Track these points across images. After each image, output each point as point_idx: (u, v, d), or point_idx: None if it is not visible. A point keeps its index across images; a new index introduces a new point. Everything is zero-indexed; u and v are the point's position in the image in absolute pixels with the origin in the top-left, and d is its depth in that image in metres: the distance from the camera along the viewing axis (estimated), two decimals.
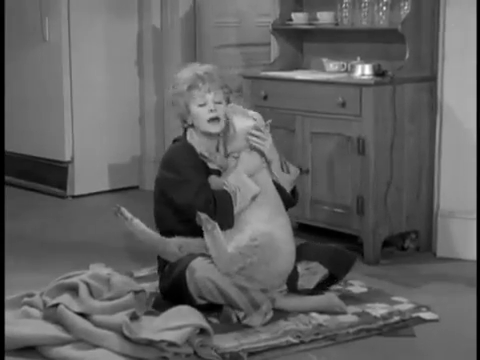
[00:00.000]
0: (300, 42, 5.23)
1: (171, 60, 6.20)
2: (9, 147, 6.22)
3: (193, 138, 3.78)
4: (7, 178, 6.25)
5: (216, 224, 3.53)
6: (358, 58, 4.68)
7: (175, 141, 3.89)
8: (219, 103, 3.74)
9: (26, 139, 6.37)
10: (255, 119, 3.79)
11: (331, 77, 4.64)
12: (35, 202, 5.99)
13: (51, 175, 6.18)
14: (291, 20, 5.06)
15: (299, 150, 4.70)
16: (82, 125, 6.09)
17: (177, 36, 6.17)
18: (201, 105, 3.72)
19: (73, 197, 6.08)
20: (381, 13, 4.64)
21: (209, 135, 3.76)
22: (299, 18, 5.02)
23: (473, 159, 4.42)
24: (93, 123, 6.13)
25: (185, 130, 3.84)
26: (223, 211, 3.60)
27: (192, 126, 3.78)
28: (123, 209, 3.71)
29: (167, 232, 3.74)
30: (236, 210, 3.61)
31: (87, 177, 6.13)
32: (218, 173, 3.76)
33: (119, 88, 6.23)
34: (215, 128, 3.73)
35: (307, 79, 4.69)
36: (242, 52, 6.35)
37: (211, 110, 3.71)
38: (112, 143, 6.23)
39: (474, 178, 4.39)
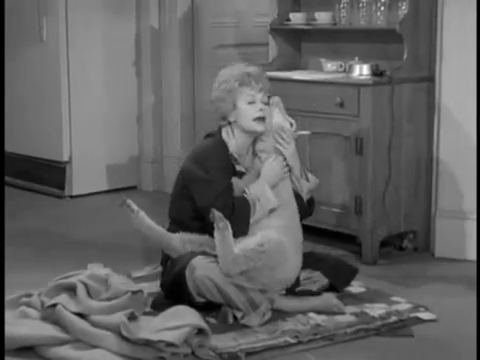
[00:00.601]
0: (298, 42, 5.23)
1: (169, 60, 6.20)
2: (7, 147, 6.21)
3: (229, 136, 3.77)
4: (5, 178, 6.25)
5: (228, 223, 3.52)
6: (356, 58, 4.68)
7: (208, 136, 3.88)
8: (266, 104, 3.76)
9: (24, 139, 6.37)
10: (292, 123, 3.81)
11: (329, 77, 4.64)
12: (33, 202, 5.98)
13: (49, 175, 6.18)
14: (289, 20, 5.06)
15: (297, 150, 4.68)
16: (80, 125, 6.09)
17: (175, 36, 6.17)
18: (250, 103, 3.73)
19: (71, 197, 6.08)
20: (379, 13, 4.64)
21: (250, 133, 3.76)
22: (297, 18, 5.03)
23: (471, 159, 4.42)
24: (91, 123, 6.13)
25: (219, 127, 3.82)
26: (240, 219, 3.60)
27: (230, 124, 3.77)
28: (129, 201, 3.70)
29: (178, 223, 3.74)
30: (252, 220, 3.63)
31: (85, 177, 6.12)
32: (243, 175, 3.76)
33: (117, 88, 6.23)
34: (260, 127, 3.73)
35: (305, 79, 4.69)
36: (240, 52, 6.34)
37: (260, 109, 3.73)
38: (110, 143, 6.23)
39: (472, 178, 4.39)
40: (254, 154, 3.79)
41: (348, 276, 3.94)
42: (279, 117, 3.79)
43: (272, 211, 3.65)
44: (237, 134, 3.77)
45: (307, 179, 3.88)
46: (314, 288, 3.84)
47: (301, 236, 3.76)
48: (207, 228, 3.61)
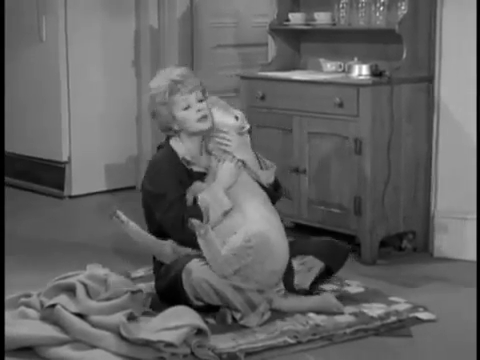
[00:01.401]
0: (297, 42, 5.23)
1: (168, 60, 6.20)
2: (6, 147, 6.21)
3: (178, 143, 3.80)
4: (5, 179, 6.25)
5: (209, 227, 3.54)
6: (355, 58, 4.67)
7: (159, 147, 3.92)
8: (201, 101, 3.76)
9: (23, 139, 6.37)
10: (237, 117, 3.81)
11: (328, 77, 4.64)
12: (32, 202, 5.98)
13: (48, 175, 6.18)
14: (288, 20, 5.06)
15: (296, 150, 4.70)
16: (79, 125, 6.08)
17: (174, 36, 6.17)
18: (186, 108, 3.74)
19: (70, 197, 6.08)
20: (378, 13, 4.64)
21: (198, 134, 3.78)
22: (296, 18, 5.02)
23: (470, 159, 4.42)
24: (90, 123, 6.13)
25: (167, 137, 3.85)
26: (193, 231, 3.59)
27: (176, 132, 3.79)
28: (119, 212, 3.73)
29: (157, 233, 3.76)
30: (208, 225, 3.63)
31: (84, 177, 6.12)
32: (203, 175, 3.78)
33: (116, 88, 6.23)
34: (205, 125, 3.75)
35: (304, 79, 4.69)
36: (239, 52, 6.35)
37: (198, 110, 3.74)
38: (109, 143, 6.23)
39: (471, 178, 4.39)
40: (208, 152, 3.80)
41: (342, 255, 3.93)
42: (218, 115, 3.79)
43: (226, 214, 3.65)
44: (186, 139, 3.79)
45: (266, 167, 3.86)
46: (312, 274, 3.82)
47: (280, 221, 3.75)
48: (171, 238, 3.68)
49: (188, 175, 3.76)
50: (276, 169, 3.91)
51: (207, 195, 3.67)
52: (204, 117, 3.74)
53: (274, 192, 3.88)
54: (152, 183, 3.74)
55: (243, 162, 3.78)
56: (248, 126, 3.85)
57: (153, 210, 3.74)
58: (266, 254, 3.56)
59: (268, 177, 3.85)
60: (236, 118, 3.81)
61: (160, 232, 3.75)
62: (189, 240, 3.61)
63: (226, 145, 3.77)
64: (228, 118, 3.81)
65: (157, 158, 3.84)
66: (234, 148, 3.77)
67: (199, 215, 3.63)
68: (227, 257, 3.51)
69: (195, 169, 3.78)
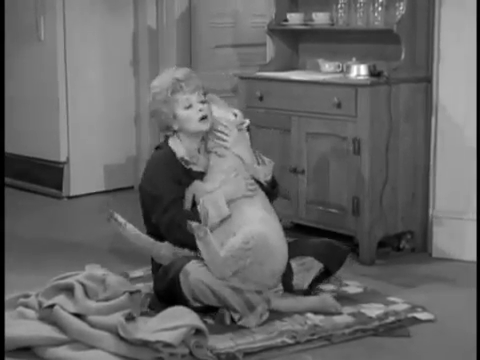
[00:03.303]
0: (296, 43, 5.24)
1: (167, 60, 6.20)
2: (5, 148, 6.21)
3: (176, 143, 3.80)
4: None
5: (207, 230, 3.54)
6: (353, 58, 4.68)
7: (157, 148, 3.93)
8: (203, 102, 3.78)
9: (21, 140, 6.36)
10: (236, 114, 3.83)
11: (327, 77, 4.64)
12: (31, 203, 5.98)
13: (47, 176, 6.18)
14: (287, 21, 5.06)
15: (294, 150, 4.70)
16: (77, 125, 6.08)
17: (172, 36, 6.17)
18: (187, 107, 3.75)
19: (69, 198, 6.08)
20: (376, 14, 4.64)
21: (198, 134, 3.79)
22: (294, 19, 5.03)
23: (468, 159, 4.43)
24: (89, 123, 6.13)
25: (166, 137, 3.86)
26: (188, 234, 3.58)
27: (175, 132, 3.80)
28: (116, 214, 3.74)
29: (155, 234, 3.77)
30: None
31: (83, 177, 6.12)
32: (203, 175, 3.78)
33: (115, 88, 6.23)
34: (205, 125, 3.76)
35: (303, 80, 4.69)
36: (238, 53, 6.35)
37: (200, 110, 3.75)
38: (108, 143, 6.23)
39: (469, 179, 4.40)
40: (208, 152, 3.81)
41: (341, 257, 3.92)
42: (217, 111, 3.81)
43: (222, 221, 3.64)
44: (184, 139, 3.80)
45: (263, 163, 3.87)
46: (311, 275, 3.83)
47: (278, 222, 3.76)
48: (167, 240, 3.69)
49: (187, 175, 3.76)
50: (274, 166, 3.90)
51: (207, 201, 3.66)
52: (205, 117, 3.75)
53: (271, 190, 3.88)
54: (149, 184, 3.75)
55: (241, 158, 3.79)
56: (248, 121, 3.86)
57: (149, 211, 3.75)
58: (265, 255, 3.56)
59: (265, 174, 3.84)
60: (235, 115, 3.83)
61: (158, 233, 3.76)
62: (184, 243, 3.62)
63: (224, 140, 3.78)
64: (227, 114, 3.82)
65: (155, 158, 3.84)
66: (232, 143, 3.78)
67: (195, 218, 3.62)
68: (226, 259, 3.51)
69: (195, 169, 3.79)
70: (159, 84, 3.82)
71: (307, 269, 3.84)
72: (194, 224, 3.53)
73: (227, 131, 3.79)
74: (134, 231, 3.74)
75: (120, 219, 3.73)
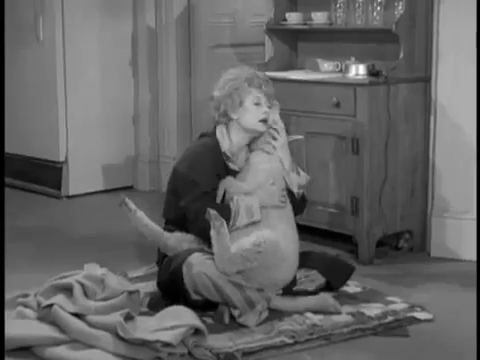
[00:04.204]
0: (294, 42, 5.24)
1: (165, 60, 6.20)
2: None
3: (223, 135, 3.80)
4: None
5: (224, 222, 3.54)
6: (352, 58, 4.68)
7: (202, 136, 3.92)
8: (268, 108, 3.83)
9: (20, 139, 6.36)
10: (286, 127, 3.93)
11: (325, 77, 4.64)
12: (29, 202, 5.98)
13: (45, 175, 6.18)
14: (285, 20, 5.06)
15: (294, 150, 4.68)
16: (76, 125, 6.08)
17: (171, 36, 6.17)
18: (256, 104, 3.80)
19: (67, 197, 6.07)
20: (375, 13, 4.65)
21: (251, 133, 3.81)
22: (293, 18, 5.03)
23: (467, 159, 4.43)
24: (87, 123, 6.13)
25: (214, 127, 3.86)
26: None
27: (226, 124, 3.81)
28: (128, 200, 3.75)
29: (172, 222, 3.77)
30: (231, 227, 3.63)
31: (81, 177, 6.12)
32: (237, 174, 3.79)
33: (113, 88, 6.23)
34: (263, 128, 3.80)
35: (301, 79, 4.70)
36: (236, 52, 6.34)
37: (265, 112, 3.80)
38: (106, 143, 6.23)
39: (468, 178, 4.40)
40: (252, 150, 3.83)
41: (345, 274, 3.95)
42: (275, 115, 3.86)
43: (250, 224, 3.65)
44: (235, 132, 3.81)
45: (298, 174, 3.88)
46: (312, 287, 3.84)
47: (296, 236, 3.77)
48: (190, 228, 3.68)
49: (226, 169, 3.77)
50: (309, 181, 3.92)
51: (242, 201, 3.67)
52: (265, 121, 3.80)
53: (300, 203, 3.89)
54: (190, 168, 3.72)
55: (282, 162, 3.81)
56: (301, 137, 4.03)
57: (181, 195, 3.72)
58: (273, 262, 3.56)
59: (299, 185, 3.85)
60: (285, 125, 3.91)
61: (175, 221, 3.75)
62: (206, 234, 3.59)
63: (275, 139, 3.80)
64: (281, 121, 3.88)
65: (199, 145, 3.84)
66: (280, 145, 3.80)
67: (225, 214, 3.61)
68: (235, 256, 3.50)
69: (231, 166, 3.79)
70: (237, 72, 3.85)
71: (311, 280, 3.87)
72: (213, 212, 3.52)
73: (280, 131, 3.82)
74: (144, 219, 3.75)
75: (131, 205, 3.74)
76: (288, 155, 3.84)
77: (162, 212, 3.87)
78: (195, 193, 3.66)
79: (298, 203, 3.87)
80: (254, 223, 3.66)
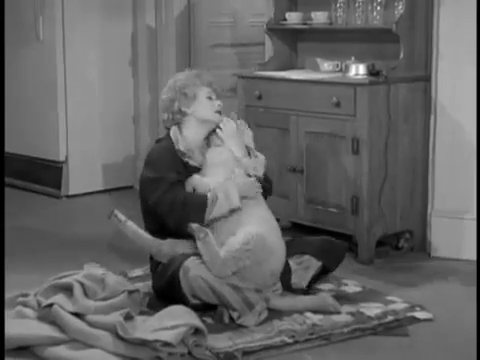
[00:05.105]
0: (294, 42, 5.24)
1: (165, 60, 6.20)
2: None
3: (177, 135, 3.84)
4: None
5: (208, 231, 3.55)
6: (352, 58, 4.68)
7: (157, 141, 3.98)
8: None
9: (20, 139, 6.36)
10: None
11: (325, 77, 4.64)
12: (29, 202, 5.98)
13: (45, 175, 6.18)
14: (285, 20, 5.06)
15: (293, 150, 4.70)
16: (76, 125, 6.08)
17: (171, 36, 6.17)
18: (209, 98, 3.89)
19: (67, 197, 6.07)
20: (375, 13, 4.64)
21: (207, 124, 3.86)
22: (293, 18, 5.03)
23: (467, 158, 4.43)
24: (87, 123, 6.13)
25: (167, 131, 3.90)
26: (193, 212, 3.62)
27: (183, 119, 3.85)
28: (117, 211, 3.75)
29: (156, 230, 3.77)
30: (209, 216, 3.64)
31: (81, 177, 6.12)
32: (197, 170, 3.80)
33: (113, 88, 6.23)
34: (218, 118, 3.88)
35: (301, 79, 4.69)
36: (236, 52, 6.35)
37: (218, 104, 3.89)
38: (106, 143, 6.23)
39: (468, 178, 4.40)
40: (207, 146, 3.89)
41: (339, 254, 3.94)
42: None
43: (233, 211, 3.66)
44: (191, 127, 3.87)
45: (256, 157, 3.90)
46: (309, 274, 3.83)
47: (275, 221, 3.77)
48: (167, 221, 3.68)
49: (185, 167, 3.79)
50: (265, 161, 3.92)
51: (220, 188, 3.68)
52: (220, 112, 3.89)
53: (265, 184, 3.88)
54: (151, 169, 3.76)
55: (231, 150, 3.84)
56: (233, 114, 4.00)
57: (150, 195, 3.74)
58: (264, 256, 3.56)
59: (254, 168, 3.86)
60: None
61: (158, 230, 3.76)
62: (185, 223, 3.59)
63: (220, 128, 3.87)
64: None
65: (155, 148, 3.91)
66: (226, 135, 3.85)
67: (200, 201, 3.63)
68: (226, 259, 3.51)
69: (190, 163, 3.81)
70: (184, 74, 3.97)
71: (305, 267, 3.84)
72: (195, 225, 3.55)
73: (225, 122, 3.89)
74: (134, 228, 3.76)
75: (120, 216, 3.75)
76: (238, 142, 3.87)
77: (144, 227, 3.87)
78: (163, 187, 3.69)
79: (264, 186, 3.86)
80: (234, 211, 3.65)
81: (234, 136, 3.87)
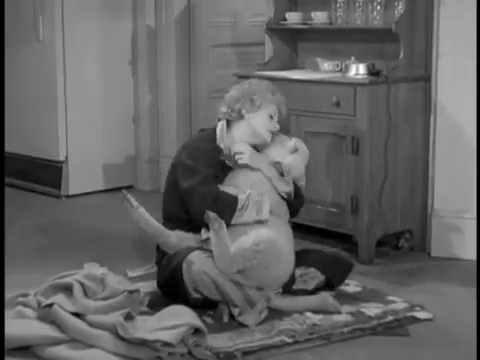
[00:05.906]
0: (294, 42, 5.24)
1: (165, 60, 6.20)
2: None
3: (223, 131, 3.83)
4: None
5: (223, 223, 3.54)
6: (352, 58, 4.68)
7: (201, 131, 3.98)
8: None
9: (20, 139, 6.36)
10: None
11: (325, 77, 4.64)
12: (29, 202, 5.98)
13: (45, 175, 6.18)
14: (285, 20, 5.07)
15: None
16: (76, 125, 6.08)
17: (171, 36, 6.17)
18: (271, 116, 3.87)
19: (67, 197, 6.07)
20: (375, 13, 4.65)
21: (256, 138, 3.84)
22: (293, 18, 5.03)
23: (467, 158, 4.43)
24: (87, 123, 6.13)
25: (215, 124, 3.89)
26: (221, 212, 3.60)
27: (237, 119, 3.84)
28: (129, 196, 3.76)
29: (171, 220, 3.78)
30: (234, 220, 3.64)
31: (81, 177, 6.12)
32: (231, 170, 3.81)
33: (113, 88, 6.23)
34: (267, 138, 3.86)
35: (301, 79, 4.69)
36: (236, 52, 6.35)
37: (275, 126, 3.87)
38: (106, 142, 6.23)
39: (468, 178, 4.40)
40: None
41: (344, 271, 3.95)
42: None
43: (258, 222, 3.66)
44: (240, 129, 3.85)
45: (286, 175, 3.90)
46: (311, 285, 3.84)
47: (291, 231, 3.78)
48: (193, 211, 3.68)
49: (219, 164, 3.80)
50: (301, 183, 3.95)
51: (253, 197, 3.68)
52: (272, 134, 3.86)
53: (294, 201, 3.89)
54: (190, 157, 3.75)
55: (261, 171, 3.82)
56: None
57: (183, 182, 3.72)
58: (272, 260, 3.56)
59: (284, 187, 3.85)
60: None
61: (175, 216, 3.76)
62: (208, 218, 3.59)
63: (240, 158, 3.80)
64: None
65: (198, 137, 3.91)
66: (248, 159, 3.80)
67: (230, 202, 3.63)
68: (235, 256, 3.51)
69: (227, 162, 3.82)
70: (265, 82, 3.97)
71: (310, 278, 3.86)
72: (212, 214, 3.53)
73: (239, 149, 3.81)
74: (145, 215, 3.74)
75: (133, 201, 3.74)
76: (262, 162, 3.82)
77: (161, 211, 3.87)
78: (198, 177, 3.68)
79: (291, 202, 3.87)
80: (260, 222, 3.66)
81: (257, 158, 3.82)
